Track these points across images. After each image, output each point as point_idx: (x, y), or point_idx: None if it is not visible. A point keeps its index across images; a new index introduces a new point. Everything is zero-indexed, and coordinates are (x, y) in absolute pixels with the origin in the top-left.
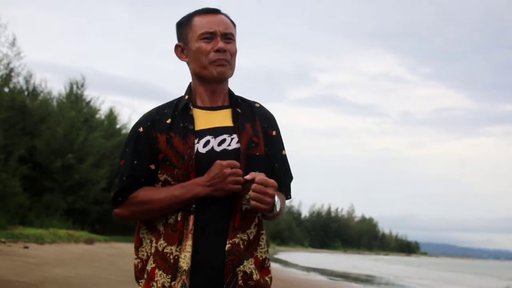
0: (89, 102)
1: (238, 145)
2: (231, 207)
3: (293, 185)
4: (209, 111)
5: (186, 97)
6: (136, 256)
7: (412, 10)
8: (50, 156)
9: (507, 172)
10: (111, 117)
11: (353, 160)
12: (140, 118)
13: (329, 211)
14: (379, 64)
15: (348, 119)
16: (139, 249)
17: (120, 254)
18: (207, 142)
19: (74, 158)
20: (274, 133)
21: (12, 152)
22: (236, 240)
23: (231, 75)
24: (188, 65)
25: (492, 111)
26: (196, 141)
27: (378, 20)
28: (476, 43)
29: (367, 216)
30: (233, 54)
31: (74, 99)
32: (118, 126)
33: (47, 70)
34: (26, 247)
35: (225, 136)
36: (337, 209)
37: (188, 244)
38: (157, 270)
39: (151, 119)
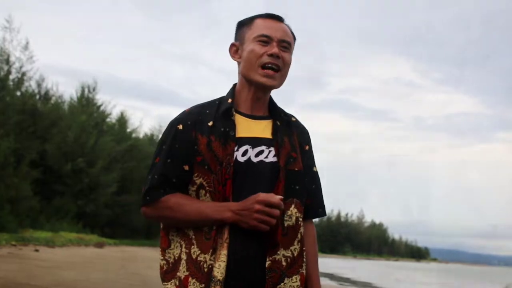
0: (100, 106)
1: (275, 159)
2: None
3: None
4: (250, 119)
5: (229, 100)
6: (162, 257)
7: (425, 15)
8: (61, 160)
9: None
10: (122, 121)
11: (364, 165)
12: (180, 115)
13: (339, 216)
14: (392, 69)
15: (360, 124)
16: (167, 251)
17: (130, 258)
18: (246, 152)
19: (84, 162)
20: (307, 147)
21: (23, 156)
22: (277, 257)
23: (279, 85)
24: (238, 66)
25: (505, 117)
26: (235, 148)
27: (391, 25)
28: (489, 48)
29: (377, 221)
30: (286, 63)
31: (86, 103)
32: (128, 130)
33: (60, 73)
34: (37, 250)
35: (263, 147)
36: (347, 214)
37: (223, 253)
38: (190, 279)
39: (192, 119)
